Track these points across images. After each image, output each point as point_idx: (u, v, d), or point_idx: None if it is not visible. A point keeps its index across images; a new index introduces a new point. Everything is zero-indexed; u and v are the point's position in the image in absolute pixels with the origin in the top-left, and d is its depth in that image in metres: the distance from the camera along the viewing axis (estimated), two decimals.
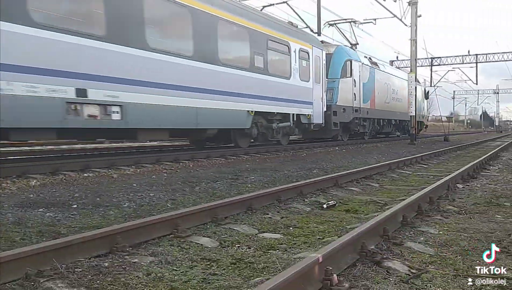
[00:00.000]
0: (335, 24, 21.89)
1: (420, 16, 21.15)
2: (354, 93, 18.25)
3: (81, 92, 7.27)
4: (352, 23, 21.98)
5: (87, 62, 7.43)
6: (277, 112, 13.00)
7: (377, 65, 22.48)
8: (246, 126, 11.72)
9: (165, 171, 7.92)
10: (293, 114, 13.80)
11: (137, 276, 2.54)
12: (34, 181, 6.27)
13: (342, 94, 17.54)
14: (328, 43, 18.96)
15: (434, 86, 39.05)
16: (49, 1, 7.16)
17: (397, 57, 40.68)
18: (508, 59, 39.62)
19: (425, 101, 31.83)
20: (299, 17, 20.03)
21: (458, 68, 45.19)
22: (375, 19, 23.82)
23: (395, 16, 22.17)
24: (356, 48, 21.39)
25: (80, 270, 2.61)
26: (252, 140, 12.83)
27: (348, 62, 18.17)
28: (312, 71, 14.84)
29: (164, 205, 4.74)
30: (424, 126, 31.08)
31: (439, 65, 42.88)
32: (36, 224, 3.75)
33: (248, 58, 11.77)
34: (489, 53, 40.32)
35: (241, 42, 11.75)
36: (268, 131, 13.02)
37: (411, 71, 21.18)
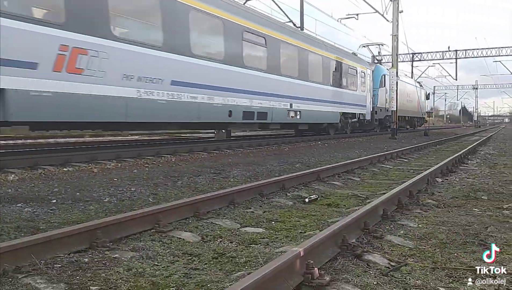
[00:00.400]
0: (367, 46, 29.55)
1: (401, 11, 21.37)
2: (386, 98, 24.17)
3: (291, 105, 14.59)
4: (380, 45, 29.72)
5: (295, 91, 14.89)
6: (350, 112, 20.20)
7: (398, 77, 29.53)
8: (337, 121, 18.95)
9: (147, 165, 7.85)
10: (357, 113, 21.03)
11: (117, 271, 2.52)
12: (13, 175, 6.14)
13: (380, 99, 24.64)
14: (368, 62, 26.05)
15: (415, 81, 39.51)
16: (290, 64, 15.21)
17: (379, 53, 41.02)
18: (487, 55, 40.34)
19: (426, 101, 40.24)
20: (282, 10, 20.05)
21: (438, 63, 45.98)
22: (357, 14, 24.24)
23: (377, 11, 22.38)
24: (381, 63, 28.90)
25: (60, 265, 2.57)
26: (336, 131, 19.55)
27: (383, 76, 25.20)
28: (367, 84, 22.48)
29: (146, 200, 4.71)
30: (425, 121, 38.90)
31: (419, 60, 43.50)
32: (14, 219, 3.68)
33: (339, 79, 19.21)
34: (468, 49, 41.03)
35: (338, 70, 19.20)
36: (345, 124, 19.99)
37: (392, 66, 21.43)
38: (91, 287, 2.29)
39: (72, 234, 2.85)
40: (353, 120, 20.68)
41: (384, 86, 24.73)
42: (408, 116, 33.09)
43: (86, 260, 2.68)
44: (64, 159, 7.72)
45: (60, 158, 7.72)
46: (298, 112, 15.14)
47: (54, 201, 4.53)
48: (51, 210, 4.12)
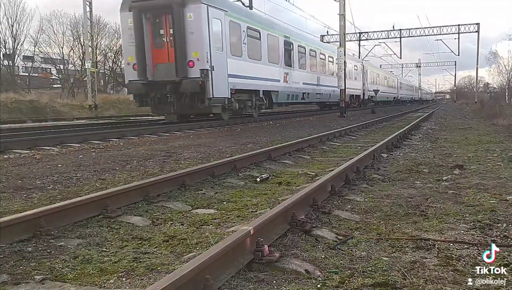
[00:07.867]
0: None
1: None
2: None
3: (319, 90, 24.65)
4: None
5: (324, 81, 25.06)
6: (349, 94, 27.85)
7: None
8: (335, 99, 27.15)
9: (94, 150, 7.60)
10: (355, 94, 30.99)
11: (63, 259, 2.45)
12: None
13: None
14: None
15: (362, 60, 40.50)
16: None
17: (327, 32, 41.65)
18: (429, 34, 41.96)
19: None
20: None
21: (384, 42, 47.25)
22: None
23: None
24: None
25: (1, 256, 2.47)
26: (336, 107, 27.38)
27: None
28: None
29: (93, 185, 4.57)
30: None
31: (366, 39, 44.60)
32: None
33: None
34: (411, 28, 42.55)
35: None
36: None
37: (340, 45, 21.77)
38: (35, 276, 2.21)
39: (14, 223, 2.72)
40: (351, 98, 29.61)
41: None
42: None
43: (30, 249, 2.59)
44: (3, 146, 7.32)
45: None
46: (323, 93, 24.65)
47: None
48: None
